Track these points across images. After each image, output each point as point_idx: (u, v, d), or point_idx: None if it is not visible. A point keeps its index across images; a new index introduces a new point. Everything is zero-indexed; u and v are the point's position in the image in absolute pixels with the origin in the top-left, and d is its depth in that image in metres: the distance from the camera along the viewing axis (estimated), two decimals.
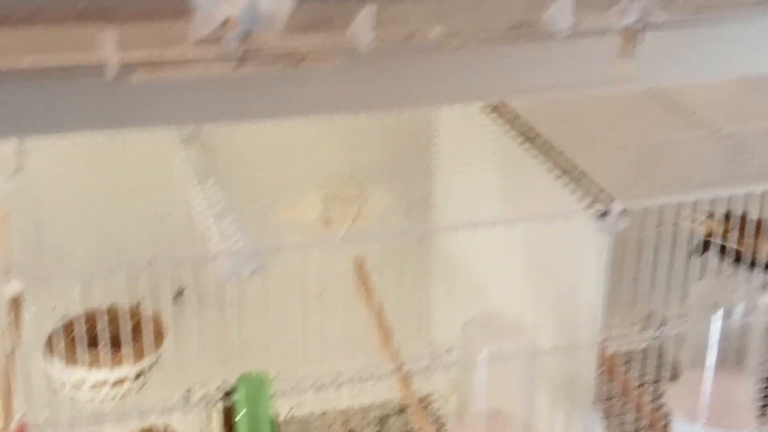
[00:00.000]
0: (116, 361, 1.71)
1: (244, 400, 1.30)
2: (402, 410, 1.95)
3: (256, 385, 1.30)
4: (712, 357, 1.42)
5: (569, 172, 1.46)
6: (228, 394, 1.41)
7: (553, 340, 1.46)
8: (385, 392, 1.88)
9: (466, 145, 1.72)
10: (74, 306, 1.66)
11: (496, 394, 1.38)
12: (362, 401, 1.68)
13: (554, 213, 1.36)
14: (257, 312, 1.39)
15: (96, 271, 1.25)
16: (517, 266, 1.39)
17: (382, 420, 1.94)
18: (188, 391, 1.42)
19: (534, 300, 1.42)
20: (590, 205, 1.37)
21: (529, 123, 1.61)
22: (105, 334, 1.49)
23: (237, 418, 1.31)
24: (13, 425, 1.28)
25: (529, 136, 1.57)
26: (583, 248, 1.39)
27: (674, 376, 1.52)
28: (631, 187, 1.39)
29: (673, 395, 1.47)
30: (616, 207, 1.36)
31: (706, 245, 1.73)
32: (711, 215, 1.74)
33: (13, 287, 1.72)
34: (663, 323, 1.51)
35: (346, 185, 1.82)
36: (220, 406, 1.46)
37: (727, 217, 1.64)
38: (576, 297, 1.42)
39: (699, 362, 1.45)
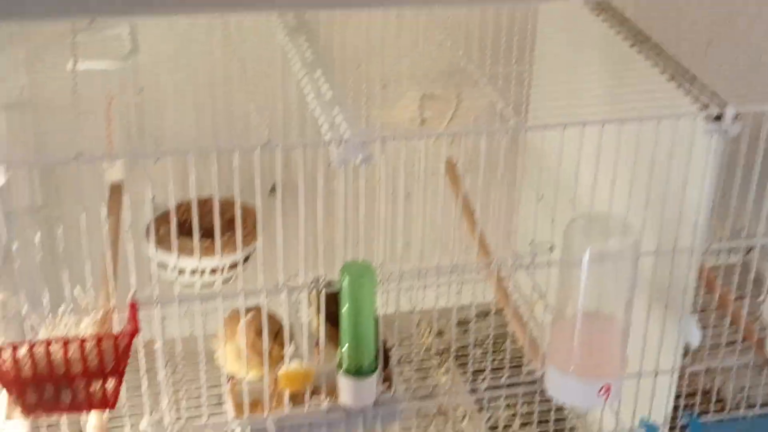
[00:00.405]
0: (211, 251, 1.74)
1: (349, 287, 1.31)
2: (486, 314, 1.96)
3: (361, 273, 1.30)
4: None
5: (681, 75, 1.44)
6: (329, 284, 1.42)
7: (653, 245, 1.44)
8: (469, 295, 1.89)
9: (569, 44, 1.69)
10: (173, 196, 1.68)
11: (596, 296, 1.38)
12: (446, 302, 1.68)
13: (666, 113, 1.34)
14: (348, 210, 1.39)
15: (208, 149, 1.26)
16: (617, 169, 1.37)
17: (465, 323, 1.95)
18: (288, 279, 1.44)
19: (636, 203, 1.40)
20: (703, 108, 1.35)
21: (637, 26, 1.58)
22: (209, 221, 1.50)
23: (342, 307, 1.32)
24: (119, 304, 1.31)
25: (638, 38, 1.54)
26: (692, 152, 1.38)
27: None
28: (745, 92, 1.37)
29: None
30: (730, 111, 1.34)
31: None
32: None
33: (116, 172, 1.74)
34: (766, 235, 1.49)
35: (444, 85, 1.81)
36: (321, 294, 1.48)
37: None
38: (681, 202, 1.41)
39: None
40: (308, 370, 1.39)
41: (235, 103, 1.62)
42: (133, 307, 1.28)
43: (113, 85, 1.56)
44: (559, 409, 1.74)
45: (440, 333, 2.03)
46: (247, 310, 1.43)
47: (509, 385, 1.54)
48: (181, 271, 1.69)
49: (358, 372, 1.36)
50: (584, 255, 1.34)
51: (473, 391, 1.78)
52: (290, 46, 1.48)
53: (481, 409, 1.86)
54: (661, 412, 1.56)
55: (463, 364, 1.93)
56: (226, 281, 1.76)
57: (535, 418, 1.58)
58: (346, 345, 1.35)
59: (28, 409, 1.27)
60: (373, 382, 1.38)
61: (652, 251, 1.43)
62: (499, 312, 1.52)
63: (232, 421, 1.41)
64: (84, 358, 1.24)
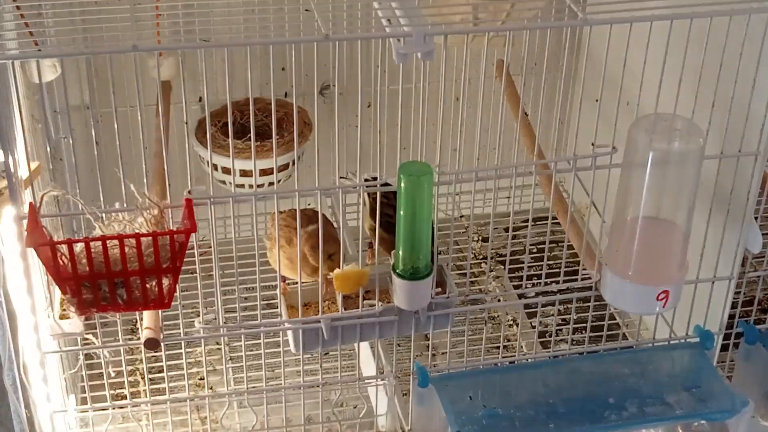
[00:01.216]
0: (264, 152, 1.72)
1: (406, 188, 1.28)
2: (537, 220, 1.93)
3: (419, 173, 1.28)
4: None
5: None
6: (384, 184, 1.40)
7: (717, 148, 1.41)
8: (519, 202, 1.86)
9: None
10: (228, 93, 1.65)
11: (657, 200, 1.35)
12: (498, 209, 1.65)
13: (738, 9, 1.29)
14: (399, 113, 1.35)
15: (266, 42, 1.23)
16: (683, 69, 1.32)
17: (516, 229, 1.92)
18: (340, 178, 1.41)
19: (701, 105, 1.36)
20: None
21: None
22: (259, 121, 1.47)
23: (399, 207, 1.30)
24: (173, 202, 1.29)
25: None
26: (761, 52, 1.33)
27: None
28: None
29: None
30: None
31: None
32: None
33: (166, 70, 1.72)
34: None
35: None
36: (373, 195, 1.46)
37: None
38: (748, 105, 1.37)
39: None
40: (363, 272, 1.38)
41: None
42: (189, 205, 1.26)
43: None
44: (612, 316, 1.72)
45: (485, 239, 2.01)
46: (304, 216, 1.41)
47: (561, 291, 1.52)
48: (231, 172, 1.67)
49: (413, 275, 1.34)
50: (648, 157, 1.30)
51: (522, 296, 1.76)
52: None
53: (532, 315, 1.85)
54: (716, 320, 1.54)
55: (515, 270, 1.91)
56: (276, 182, 1.75)
57: (588, 324, 1.56)
58: (402, 246, 1.33)
59: (83, 307, 1.26)
60: (428, 285, 1.36)
61: (717, 155, 1.40)
62: (550, 218, 1.49)
63: (285, 321, 1.40)
64: (140, 255, 1.22)
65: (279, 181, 1.76)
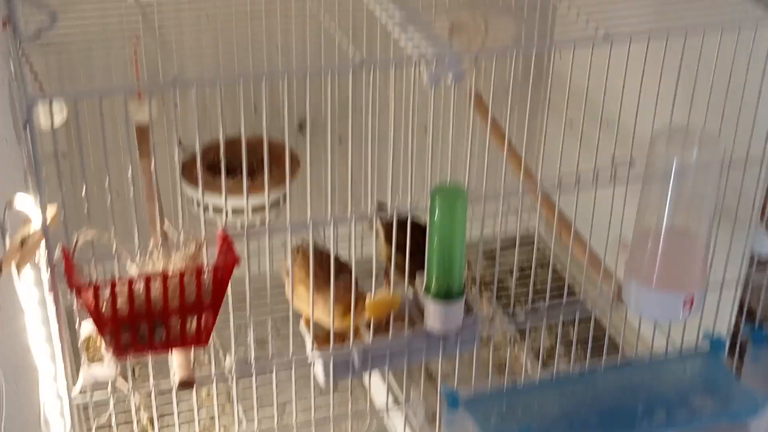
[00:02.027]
0: (254, 188, 1.70)
1: (441, 210, 1.28)
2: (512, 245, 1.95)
3: (454, 196, 1.28)
4: None
5: None
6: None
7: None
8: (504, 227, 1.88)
9: None
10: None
11: (678, 209, 1.37)
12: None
13: (741, 21, 1.33)
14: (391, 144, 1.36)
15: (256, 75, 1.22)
16: (668, 84, 1.35)
17: (491, 253, 1.94)
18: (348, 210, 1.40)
19: (696, 119, 1.39)
20: None
21: None
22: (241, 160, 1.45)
23: (434, 230, 1.30)
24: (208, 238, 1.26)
25: None
26: (762, 62, 1.37)
27: None
28: None
29: None
30: None
31: None
32: None
33: (144, 114, 1.69)
34: None
35: (471, 14, 1.77)
36: (386, 224, 1.46)
37: None
38: (754, 113, 1.41)
39: None
40: (395, 298, 1.37)
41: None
42: (226, 239, 1.24)
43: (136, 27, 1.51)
44: (600, 332, 1.74)
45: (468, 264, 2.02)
46: (316, 255, 1.39)
47: (550, 308, 1.54)
48: (221, 211, 1.64)
49: (447, 295, 1.34)
50: (671, 167, 1.33)
51: (513, 316, 1.76)
52: None
53: (522, 337, 1.86)
54: (724, 325, 1.57)
55: (504, 296, 1.92)
56: (266, 220, 1.73)
57: (574, 340, 1.57)
58: (436, 268, 1.32)
59: (121, 350, 1.23)
60: (461, 305, 1.36)
61: (724, 162, 1.43)
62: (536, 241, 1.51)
63: (314, 352, 1.38)
64: (182, 291, 1.19)
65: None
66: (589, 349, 1.59)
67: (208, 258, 1.25)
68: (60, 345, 1.26)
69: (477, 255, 1.82)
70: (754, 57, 1.36)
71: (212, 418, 1.59)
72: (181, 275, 1.18)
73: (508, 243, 1.92)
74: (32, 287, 1.32)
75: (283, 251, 1.47)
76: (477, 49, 1.73)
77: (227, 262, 1.21)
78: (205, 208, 1.70)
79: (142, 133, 1.70)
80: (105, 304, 1.18)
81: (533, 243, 1.68)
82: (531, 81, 1.49)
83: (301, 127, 1.88)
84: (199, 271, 1.19)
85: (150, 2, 1.53)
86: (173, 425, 1.39)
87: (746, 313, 1.63)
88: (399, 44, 1.27)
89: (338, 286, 1.35)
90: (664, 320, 1.49)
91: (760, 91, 1.38)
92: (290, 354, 1.37)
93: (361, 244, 1.67)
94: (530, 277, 1.83)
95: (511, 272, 1.92)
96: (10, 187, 1.30)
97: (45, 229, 1.18)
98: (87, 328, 1.33)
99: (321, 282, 1.37)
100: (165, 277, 1.18)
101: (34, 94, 1.10)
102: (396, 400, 1.56)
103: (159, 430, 1.37)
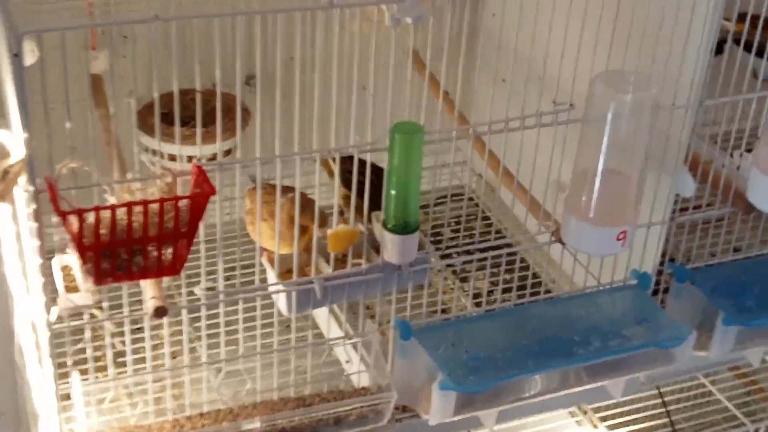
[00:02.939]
0: (208, 138, 1.77)
1: (399, 145, 1.38)
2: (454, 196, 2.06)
3: (411, 131, 1.37)
4: None
5: None
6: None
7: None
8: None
9: None
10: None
11: (614, 149, 1.49)
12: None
13: None
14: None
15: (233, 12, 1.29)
16: (597, 32, 1.46)
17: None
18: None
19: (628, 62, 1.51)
20: None
21: None
22: (194, 111, 1.51)
23: (392, 164, 1.39)
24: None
25: None
26: (689, 9, 1.49)
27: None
28: None
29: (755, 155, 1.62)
30: None
31: (720, 46, 1.86)
32: (727, 18, 1.86)
33: (100, 64, 1.75)
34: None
35: None
36: (344, 165, 1.55)
37: (742, 17, 1.75)
38: (681, 60, 1.53)
39: None
40: (355, 231, 1.46)
41: None
42: (201, 171, 1.31)
43: None
44: (536, 277, 1.86)
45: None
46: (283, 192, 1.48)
47: (482, 250, 1.65)
48: (177, 158, 1.71)
49: (404, 229, 1.43)
50: (608, 109, 1.45)
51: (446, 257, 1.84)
52: None
53: (463, 279, 1.97)
54: (649, 264, 1.70)
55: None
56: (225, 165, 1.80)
57: (515, 282, 1.68)
58: (394, 203, 1.42)
59: (101, 277, 1.29)
60: (416, 238, 1.46)
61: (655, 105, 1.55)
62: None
63: (277, 282, 1.47)
64: (162, 220, 1.27)
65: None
66: (528, 290, 1.69)
67: (181, 192, 1.32)
68: (40, 275, 1.31)
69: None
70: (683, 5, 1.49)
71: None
72: (161, 203, 1.26)
73: (442, 195, 2.04)
74: (9, 221, 1.38)
75: (245, 196, 1.56)
76: None
77: (203, 191, 1.28)
78: (160, 156, 1.77)
79: (97, 83, 1.76)
80: (88, 230, 1.25)
81: (467, 195, 1.78)
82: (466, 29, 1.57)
83: (249, 80, 1.96)
84: (177, 199, 1.27)
85: None
86: (144, 353, 1.46)
87: (669, 254, 1.76)
88: None
89: (284, 205, 1.43)
90: (599, 254, 1.61)
91: (686, 39, 1.50)
92: (256, 283, 1.45)
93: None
94: (465, 226, 1.95)
95: (447, 224, 2.03)
96: None
97: (30, 160, 1.24)
98: (63, 259, 1.39)
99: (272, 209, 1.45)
100: (146, 205, 1.25)
101: (23, 27, 1.16)
102: (347, 334, 1.65)
103: (131, 350, 1.44)
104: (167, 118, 1.79)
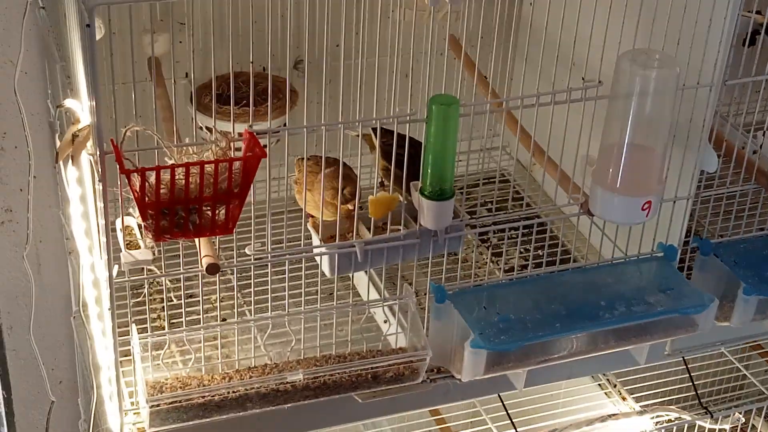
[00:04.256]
0: (260, 116, 1.88)
1: (436, 116, 1.47)
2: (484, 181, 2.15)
3: (448, 103, 1.47)
4: None
5: None
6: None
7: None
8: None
9: None
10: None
11: (640, 123, 1.58)
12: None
13: None
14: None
15: None
16: (629, 18, 1.55)
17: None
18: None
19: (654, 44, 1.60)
20: None
21: None
22: (246, 91, 1.62)
23: (430, 134, 1.49)
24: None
25: None
26: None
27: None
28: None
29: None
30: None
31: (753, 38, 1.94)
32: (759, 12, 1.94)
33: (160, 47, 1.87)
34: None
35: None
36: (384, 139, 1.65)
37: None
38: (705, 40, 1.61)
39: None
40: (393, 197, 1.57)
41: None
42: (252, 136, 1.42)
43: None
44: (565, 250, 1.95)
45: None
46: (327, 163, 1.59)
47: (523, 218, 1.74)
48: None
49: (440, 195, 1.53)
50: (634, 85, 1.54)
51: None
52: None
53: (496, 254, 2.06)
54: (675, 238, 1.78)
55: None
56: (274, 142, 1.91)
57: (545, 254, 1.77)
58: (431, 170, 1.52)
59: (160, 234, 1.40)
60: (451, 204, 1.55)
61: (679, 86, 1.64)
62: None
63: (321, 245, 1.57)
64: (216, 180, 1.37)
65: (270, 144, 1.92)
66: (557, 263, 1.78)
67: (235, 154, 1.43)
68: (103, 234, 1.42)
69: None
70: None
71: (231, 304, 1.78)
72: (216, 164, 1.37)
73: (482, 179, 2.14)
74: (75, 184, 1.49)
75: (294, 166, 1.67)
76: None
77: (255, 153, 1.39)
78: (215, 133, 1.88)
79: (157, 65, 1.88)
80: (149, 189, 1.36)
81: (503, 179, 1.85)
82: (506, 17, 1.67)
83: (297, 64, 2.07)
84: (231, 161, 1.37)
85: None
86: (198, 307, 1.57)
87: (694, 226, 1.84)
88: None
89: (327, 175, 1.54)
90: (625, 222, 1.69)
91: (710, 21, 1.59)
92: (301, 244, 1.56)
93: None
94: (500, 206, 2.04)
95: (484, 204, 2.13)
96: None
97: (98, 123, 1.35)
98: (126, 220, 1.50)
99: (314, 179, 1.56)
100: (202, 166, 1.36)
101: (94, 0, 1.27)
102: (385, 297, 1.76)
103: (185, 310, 1.55)
104: (220, 99, 1.91)
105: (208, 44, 1.47)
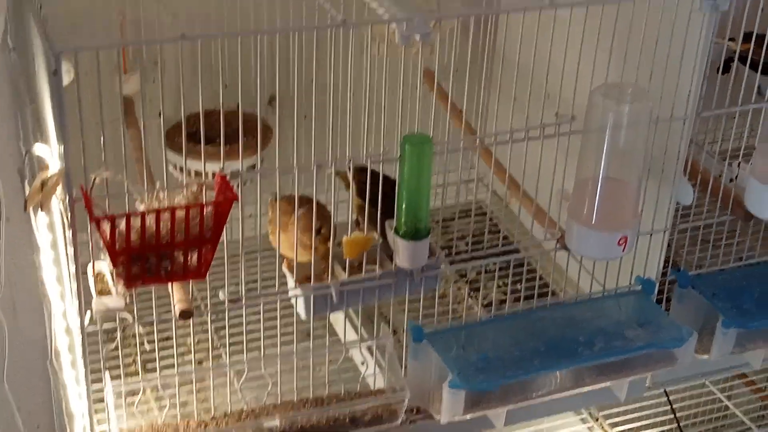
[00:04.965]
0: (232, 155, 1.86)
1: (410, 155, 1.46)
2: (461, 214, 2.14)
3: (422, 142, 1.46)
4: None
5: None
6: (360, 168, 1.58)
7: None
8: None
9: None
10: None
11: (613, 158, 1.57)
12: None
13: None
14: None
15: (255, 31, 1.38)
16: (602, 51, 1.55)
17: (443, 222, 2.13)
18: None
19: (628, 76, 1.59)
20: None
21: None
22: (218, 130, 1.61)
23: (403, 174, 1.48)
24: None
25: None
26: (684, 28, 1.58)
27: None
28: None
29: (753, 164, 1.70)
30: None
31: (727, 65, 1.94)
32: (732, 39, 1.94)
33: (130, 86, 1.85)
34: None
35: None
36: (358, 177, 1.64)
37: (747, 37, 1.84)
38: (678, 75, 1.61)
39: None
40: (368, 237, 1.55)
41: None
42: (224, 180, 1.40)
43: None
44: (543, 282, 1.93)
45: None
46: (301, 203, 1.57)
47: (490, 256, 1.73)
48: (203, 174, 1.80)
49: (415, 235, 1.52)
50: (607, 120, 1.53)
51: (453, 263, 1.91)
52: None
53: (473, 290, 2.05)
54: (653, 271, 1.77)
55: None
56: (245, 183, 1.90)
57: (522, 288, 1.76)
58: (405, 210, 1.50)
59: (131, 281, 1.38)
60: (426, 244, 1.54)
61: (653, 119, 1.63)
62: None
63: (296, 287, 1.55)
64: (188, 225, 1.36)
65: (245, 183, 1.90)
66: (535, 298, 1.77)
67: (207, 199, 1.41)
68: (74, 281, 1.40)
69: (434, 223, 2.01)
70: (678, 23, 1.57)
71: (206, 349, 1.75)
72: (187, 209, 1.35)
73: (458, 211, 2.13)
74: (45, 230, 1.47)
75: (268, 207, 1.66)
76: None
77: (227, 198, 1.37)
78: (187, 173, 1.86)
79: (128, 105, 1.86)
80: (119, 236, 1.34)
81: (480, 211, 1.84)
82: (480, 50, 1.68)
83: (271, 100, 2.05)
84: (202, 207, 1.36)
85: None
86: (172, 351, 1.55)
87: (672, 258, 1.84)
88: (372, 9, 1.45)
89: (301, 215, 1.53)
90: (601, 258, 1.68)
91: (682, 53, 1.59)
92: (276, 289, 1.54)
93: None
94: (477, 239, 2.03)
95: (462, 238, 2.11)
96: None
97: (67, 171, 1.33)
98: (96, 266, 1.48)
99: (288, 221, 1.54)
100: (173, 211, 1.34)
101: (61, 45, 1.26)
102: (362, 337, 1.74)
103: (159, 355, 1.53)
104: (195, 137, 1.89)
105: (180, 82, 1.46)
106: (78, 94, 1.31)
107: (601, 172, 1.57)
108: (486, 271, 2.00)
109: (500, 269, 1.91)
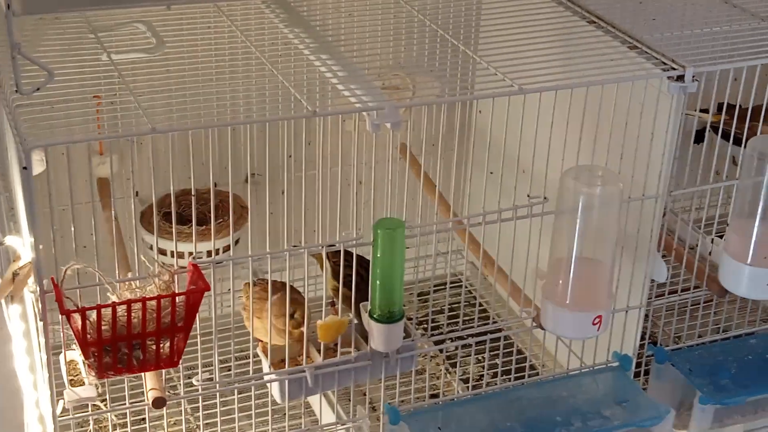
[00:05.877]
0: (206, 236, 1.87)
1: (383, 240, 1.47)
2: (442, 284, 2.14)
3: (394, 227, 1.47)
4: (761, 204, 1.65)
5: (638, 44, 1.65)
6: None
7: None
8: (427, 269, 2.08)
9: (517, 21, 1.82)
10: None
11: (586, 238, 1.58)
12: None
13: (637, 75, 1.55)
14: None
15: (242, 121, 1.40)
16: (573, 131, 1.56)
17: (428, 293, 2.13)
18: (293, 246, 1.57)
19: (598, 161, 1.60)
20: (667, 70, 1.57)
21: (587, 6, 1.77)
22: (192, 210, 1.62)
23: (376, 258, 1.48)
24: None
25: (590, 16, 1.75)
26: (653, 110, 1.59)
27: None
28: (694, 57, 1.59)
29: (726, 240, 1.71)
30: (689, 71, 1.56)
31: (701, 135, 1.96)
32: (704, 110, 1.97)
33: (107, 168, 1.86)
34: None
35: (400, 76, 1.97)
36: (333, 259, 1.64)
37: (720, 108, 1.86)
38: (648, 155, 1.62)
39: (746, 212, 1.68)
40: (343, 321, 1.55)
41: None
42: (196, 269, 1.40)
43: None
44: (521, 356, 1.93)
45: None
46: (275, 288, 1.57)
47: (476, 334, 1.73)
48: (179, 255, 1.80)
49: (389, 318, 1.52)
50: (579, 202, 1.54)
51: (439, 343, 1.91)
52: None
53: (453, 366, 2.05)
54: (630, 346, 1.77)
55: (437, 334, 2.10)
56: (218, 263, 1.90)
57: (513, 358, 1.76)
58: (379, 293, 1.50)
59: (103, 371, 1.38)
60: (401, 327, 1.54)
61: (625, 199, 1.64)
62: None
63: (271, 371, 1.55)
64: (159, 315, 1.36)
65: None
66: (513, 373, 1.77)
67: (179, 288, 1.41)
68: (46, 370, 1.40)
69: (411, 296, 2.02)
70: (647, 105, 1.59)
71: None
72: (158, 300, 1.35)
73: (437, 284, 2.13)
74: (18, 320, 1.47)
75: (242, 291, 1.66)
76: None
77: (198, 287, 1.37)
78: (162, 253, 1.87)
79: (103, 186, 1.87)
80: (91, 327, 1.34)
81: (459, 283, 1.85)
82: (457, 130, 1.69)
83: (252, 176, 2.06)
84: (174, 296, 1.36)
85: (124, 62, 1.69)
86: None
87: (649, 334, 1.84)
88: (345, 97, 1.46)
89: (275, 301, 1.52)
90: (576, 338, 1.69)
91: (652, 134, 1.60)
92: (250, 373, 1.53)
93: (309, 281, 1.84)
94: (455, 313, 2.03)
95: (440, 312, 2.11)
96: None
97: (37, 263, 1.33)
98: (68, 355, 1.48)
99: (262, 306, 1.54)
100: (144, 302, 1.34)
101: (32, 141, 1.26)
102: (339, 419, 1.73)
103: None
104: (170, 217, 1.89)
105: (157, 163, 1.46)
106: (49, 188, 1.31)
107: (574, 252, 1.57)
108: (464, 346, 1.99)
109: (477, 344, 1.91)
